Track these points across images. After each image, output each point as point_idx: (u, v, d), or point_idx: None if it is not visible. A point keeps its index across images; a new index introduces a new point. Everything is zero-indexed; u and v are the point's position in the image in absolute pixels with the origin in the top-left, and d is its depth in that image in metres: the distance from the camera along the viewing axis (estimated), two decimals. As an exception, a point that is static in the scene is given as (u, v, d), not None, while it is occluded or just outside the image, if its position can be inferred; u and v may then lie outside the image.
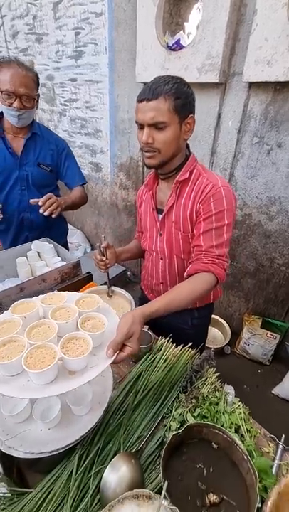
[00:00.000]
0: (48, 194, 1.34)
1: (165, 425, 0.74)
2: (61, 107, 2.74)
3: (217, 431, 0.64)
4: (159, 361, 0.95)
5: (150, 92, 0.86)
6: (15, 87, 1.25)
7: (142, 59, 1.79)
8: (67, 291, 0.85)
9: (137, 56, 1.81)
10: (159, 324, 1.08)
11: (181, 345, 1.02)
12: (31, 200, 1.31)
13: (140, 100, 0.89)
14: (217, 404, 0.79)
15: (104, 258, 1.22)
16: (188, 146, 1.04)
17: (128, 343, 0.69)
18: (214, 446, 0.66)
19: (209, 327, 1.44)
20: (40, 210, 1.31)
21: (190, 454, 0.65)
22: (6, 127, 1.42)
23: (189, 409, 0.75)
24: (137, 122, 0.92)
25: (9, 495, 0.59)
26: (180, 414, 0.74)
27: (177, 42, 1.63)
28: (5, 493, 0.59)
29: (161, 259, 1.16)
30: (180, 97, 0.86)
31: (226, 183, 0.96)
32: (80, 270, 1.40)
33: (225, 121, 1.69)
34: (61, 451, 0.62)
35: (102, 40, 2.08)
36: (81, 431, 0.65)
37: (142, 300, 1.39)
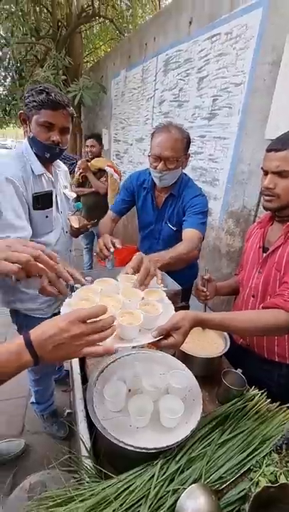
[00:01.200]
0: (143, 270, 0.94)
1: (251, 479, 0.67)
2: (186, 158, 3.12)
3: None
4: (250, 411, 0.88)
5: (280, 143, 0.96)
6: (160, 151, 1.35)
7: (275, 119, 1.91)
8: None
9: (270, 117, 1.94)
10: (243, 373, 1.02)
11: (278, 403, 0.92)
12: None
13: (269, 150, 1.00)
14: None
15: (205, 289, 1.27)
16: None
17: (174, 333, 0.74)
18: (313, 526, 0.56)
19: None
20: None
21: (280, 521, 0.56)
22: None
23: (283, 472, 0.66)
24: (262, 168, 1.02)
25: (93, 472, 0.65)
26: (271, 473, 0.66)
27: (315, 104, 1.68)
28: (91, 468, 0.65)
29: (253, 296, 1.15)
30: None
31: None
32: (179, 299, 1.47)
33: None
34: (147, 451, 0.64)
35: (237, 104, 2.33)
36: (167, 441, 0.66)
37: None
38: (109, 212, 1.77)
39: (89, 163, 3.34)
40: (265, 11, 1.94)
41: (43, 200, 1.32)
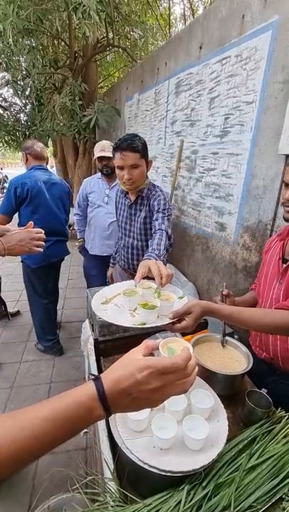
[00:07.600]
0: None
1: (284, 508, 0.63)
2: (199, 175, 3.15)
3: None
4: (278, 434, 0.83)
5: None
6: None
7: (287, 135, 1.93)
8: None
9: (283, 132, 1.96)
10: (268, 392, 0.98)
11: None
12: None
13: None
14: None
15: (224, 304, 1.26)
16: None
17: (186, 317, 0.85)
18: None
19: None
20: None
21: None
22: None
23: None
24: (284, 182, 1.04)
25: (117, 495, 0.63)
26: (306, 503, 0.62)
27: None
28: (115, 491, 0.63)
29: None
30: None
31: None
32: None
33: None
34: (172, 475, 0.62)
35: (249, 122, 2.37)
36: (193, 464, 0.64)
37: None
38: None
39: None
40: (274, 34, 2.00)
41: None
